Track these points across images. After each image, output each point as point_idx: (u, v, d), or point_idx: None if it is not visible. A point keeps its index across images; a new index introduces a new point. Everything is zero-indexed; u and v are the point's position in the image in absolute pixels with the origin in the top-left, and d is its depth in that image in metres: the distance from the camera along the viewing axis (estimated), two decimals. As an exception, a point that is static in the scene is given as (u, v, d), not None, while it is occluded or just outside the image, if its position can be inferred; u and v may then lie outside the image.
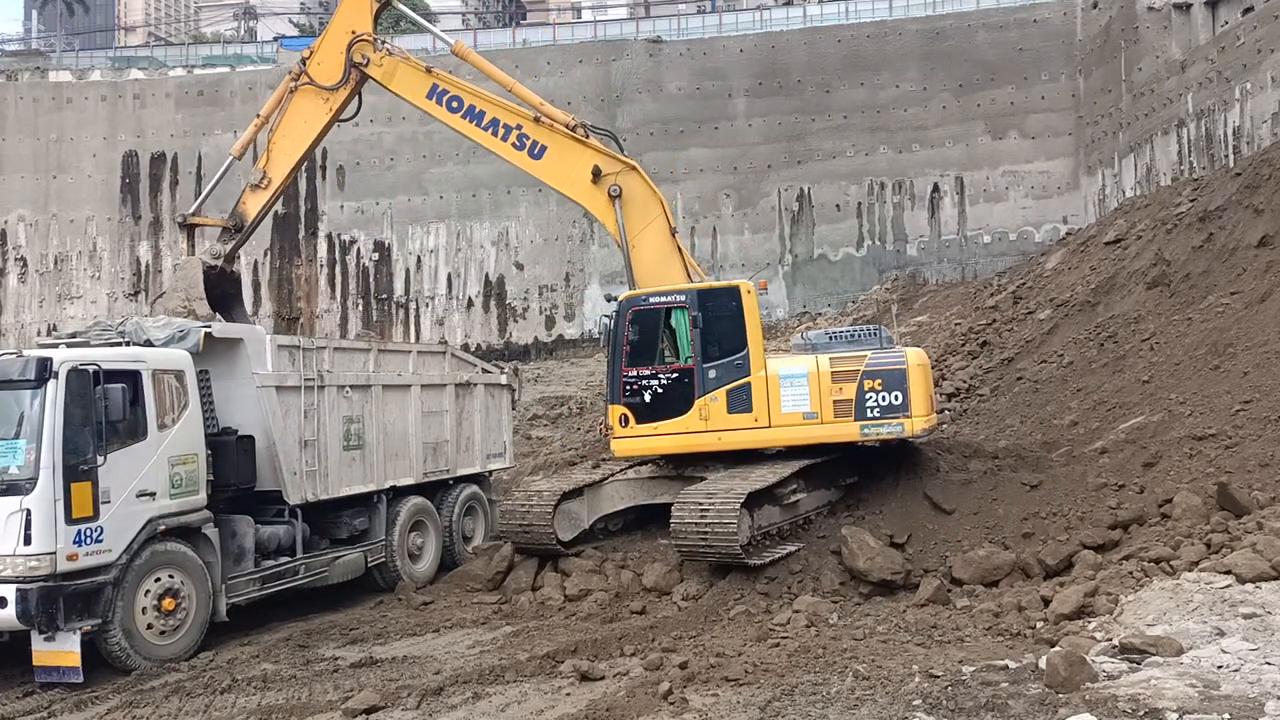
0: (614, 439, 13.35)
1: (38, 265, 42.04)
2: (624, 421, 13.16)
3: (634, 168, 14.11)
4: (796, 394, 12.81)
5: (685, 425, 12.98)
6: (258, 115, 15.00)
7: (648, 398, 13.10)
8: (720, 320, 13.04)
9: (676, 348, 13.38)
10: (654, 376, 13.13)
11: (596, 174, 13.97)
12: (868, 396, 12.70)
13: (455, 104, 14.32)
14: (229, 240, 14.48)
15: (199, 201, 15.40)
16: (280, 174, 14.51)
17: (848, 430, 12.80)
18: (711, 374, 12.96)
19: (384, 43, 14.67)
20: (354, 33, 14.44)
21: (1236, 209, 19.22)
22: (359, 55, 14.37)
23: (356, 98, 14.83)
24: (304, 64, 14.53)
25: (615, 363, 13.33)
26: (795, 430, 12.91)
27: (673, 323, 13.34)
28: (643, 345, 13.27)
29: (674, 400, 13.03)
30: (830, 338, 13.92)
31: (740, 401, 12.86)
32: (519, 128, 14.18)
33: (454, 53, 15.38)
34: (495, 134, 14.25)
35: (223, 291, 14.50)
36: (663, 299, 13.32)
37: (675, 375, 13.09)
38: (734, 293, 13.13)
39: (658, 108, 40.44)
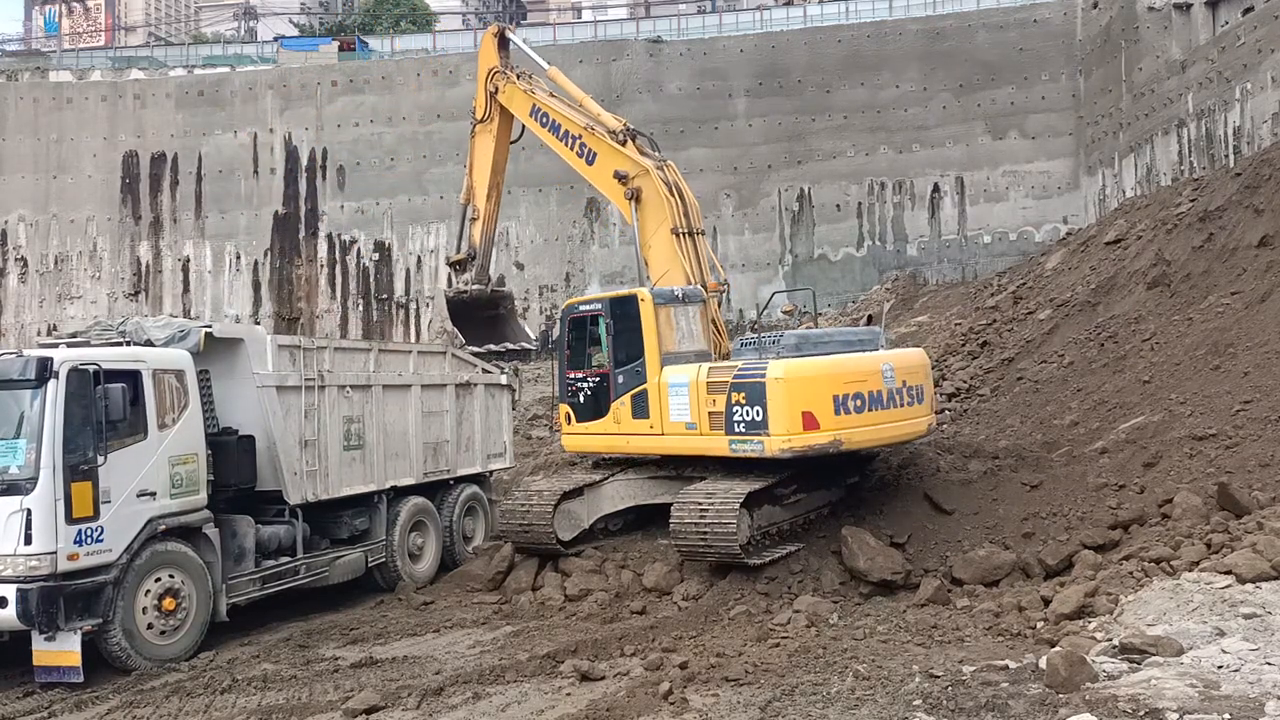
0: (562, 435, 14.24)
1: (38, 265, 42.01)
2: (569, 419, 13.85)
3: (648, 171, 14.22)
4: (680, 403, 12.69)
5: (604, 427, 13.42)
6: (466, 164, 17.31)
7: (581, 399, 13.71)
8: (626, 328, 13.20)
9: (602, 353, 13.67)
10: (585, 379, 13.69)
11: (620, 178, 14.42)
12: (734, 410, 11.99)
13: (544, 119, 15.76)
14: (472, 268, 16.85)
15: (456, 244, 17.58)
16: (483, 204, 16.72)
17: (719, 444, 12.22)
18: (620, 379, 13.24)
19: (506, 73, 16.45)
20: (490, 69, 16.53)
21: (1236, 209, 19.18)
22: (492, 86, 16.53)
23: (517, 121, 16.56)
24: (473, 112, 16.89)
25: (560, 364, 14.06)
26: (680, 440, 12.76)
27: (598, 329, 13.58)
28: (578, 349, 13.82)
29: (598, 402, 13.50)
30: (742, 344, 13.42)
31: (640, 407, 13.04)
32: (579, 137, 15.19)
33: (550, 77, 16.53)
34: (567, 144, 15.47)
35: (499, 310, 17.42)
36: (589, 307, 13.94)
37: (598, 379, 13.52)
38: (632, 301, 13.23)
39: (658, 108, 40.38)
